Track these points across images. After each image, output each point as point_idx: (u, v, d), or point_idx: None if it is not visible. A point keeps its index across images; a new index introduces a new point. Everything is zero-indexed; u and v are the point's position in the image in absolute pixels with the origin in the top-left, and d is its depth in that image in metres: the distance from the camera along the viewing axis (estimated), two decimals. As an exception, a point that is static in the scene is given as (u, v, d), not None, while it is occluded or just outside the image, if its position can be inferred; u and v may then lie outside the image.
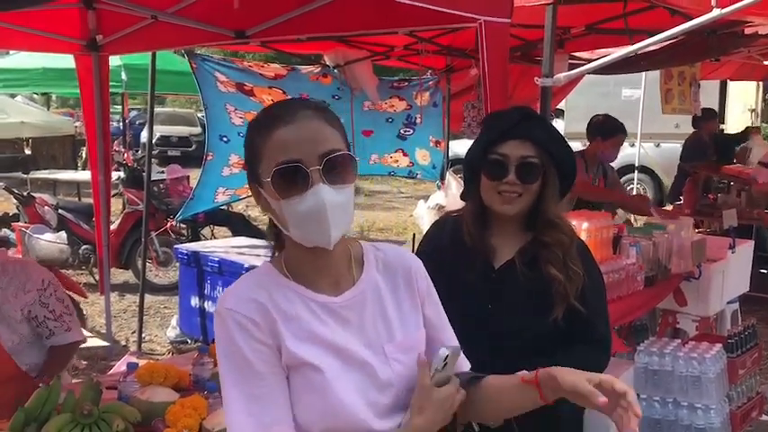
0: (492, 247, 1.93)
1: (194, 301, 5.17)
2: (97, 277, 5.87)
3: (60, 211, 6.72)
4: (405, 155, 6.32)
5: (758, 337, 3.36)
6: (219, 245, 5.59)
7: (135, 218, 6.69)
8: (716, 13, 2.42)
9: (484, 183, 1.91)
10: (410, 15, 3.09)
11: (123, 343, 5.46)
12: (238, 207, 7.46)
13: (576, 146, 8.23)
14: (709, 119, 7.03)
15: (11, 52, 9.52)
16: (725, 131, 9.22)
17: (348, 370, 1.26)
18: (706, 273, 3.54)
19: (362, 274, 1.34)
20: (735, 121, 11.06)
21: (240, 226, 7.09)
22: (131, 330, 5.68)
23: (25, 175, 10.07)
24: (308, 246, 1.25)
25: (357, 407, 1.24)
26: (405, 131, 6.20)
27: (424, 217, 5.66)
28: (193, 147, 17.55)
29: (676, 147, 10.52)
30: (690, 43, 4.20)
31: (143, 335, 5.32)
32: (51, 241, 5.09)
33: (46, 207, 6.59)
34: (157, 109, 16.59)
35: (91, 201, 5.84)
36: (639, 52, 3.03)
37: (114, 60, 6.22)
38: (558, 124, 10.57)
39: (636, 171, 9.62)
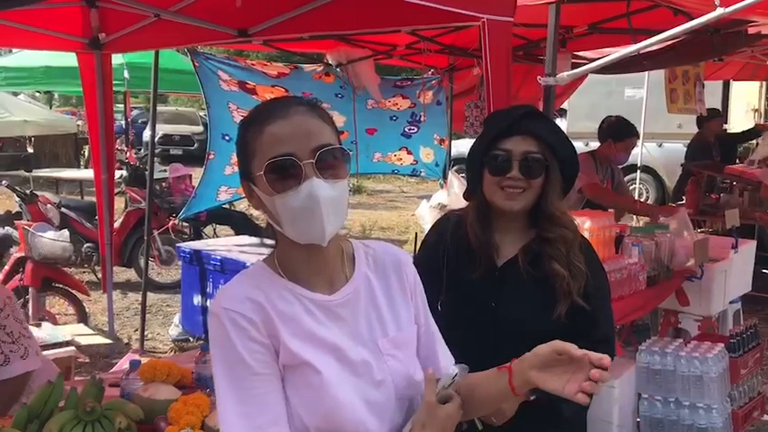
0: (495, 246, 1.93)
1: (197, 300, 5.17)
2: (100, 275, 5.88)
3: (63, 209, 6.72)
4: (409, 153, 6.32)
5: (760, 337, 3.36)
6: (222, 243, 5.59)
7: (137, 216, 6.70)
8: (719, 12, 2.41)
9: (487, 178, 1.90)
10: (413, 14, 3.09)
11: (126, 341, 5.47)
12: (240, 206, 7.48)
13: (579, 146, 8.20)
14: (714, 118, 7.00)
15: (14, 50, 9.54)
16: (728, 131, 9.18)
17: (344, 368, 1.26)
18: (708, 272, 3.53)
19: (355, 271, 1.34)
20: (738, 121, 11.03)
21: (242, 224, 7.10)
22: (134, 328, 5.69)
23: (28, 174, 10.09)
24: (301, 243, 1.25)
25: (354, 405, 1.25)
26: (409, 129, 6.20)
27: (426, 216, 5.66)
28: (195, 145, 17.57)
29: (679, 147, 10.51)
30: (693, 43, 4.20)
31: (145, 333, 5.33)
32: (54, 239, 5.09)
33: (49, 205, 6.59)
34: (160, 108, 16.61)
35: (93, 199, 5.86)
36: (642, 52, 3.03)
37: (117, 59, 6.23)
38: (561, 124, 10.56)
39: (638, 171, 9.61)
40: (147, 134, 15.20)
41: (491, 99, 2.63)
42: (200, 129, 18.19)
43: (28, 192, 6.75)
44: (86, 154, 14.28)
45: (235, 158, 5.48)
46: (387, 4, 3.22)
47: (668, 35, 2.70)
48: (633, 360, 2.98)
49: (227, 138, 5.21)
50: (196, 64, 5.03)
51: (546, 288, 1.86)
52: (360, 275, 1.33)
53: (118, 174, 6.89)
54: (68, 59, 6.26)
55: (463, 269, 1.92)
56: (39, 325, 3.94)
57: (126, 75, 7.91)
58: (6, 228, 6.71)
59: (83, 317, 5.22)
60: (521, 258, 1.89)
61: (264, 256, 1.34)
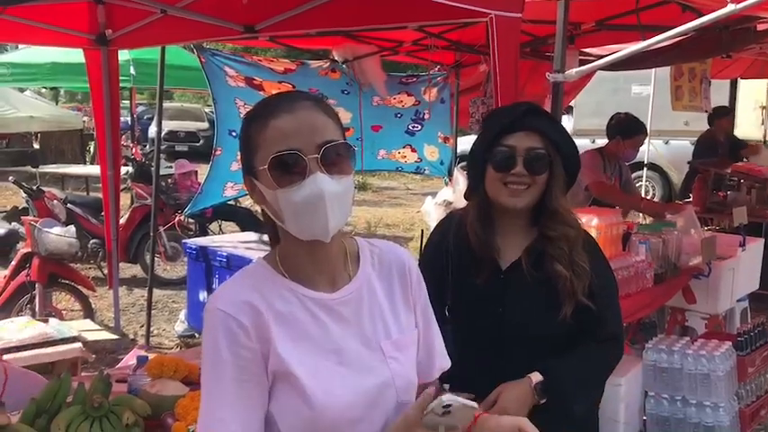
0: (497, 247, 1.90)
1: (202, 296, 5.18)
2: (106, 271, 5.90)
3: (69, 205, 6.74)
4: (413, 150, 6.31)
5: (768, 336, 3.35)
6: (227, 239, 5.60)
7: (143, 212, 6.72)
8: (730, 8, 2.39)
9: (490, 175, 1.87)
10: (420, 10, 3.09)
11: (131, 337, 5.49)
12: (246, 202, 7.48)
13: (585, 143, 8.21)
14: (724, 116, 6.94)
15: (20, 47, 9.56)
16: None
17: (346, 370, 1.24)
18: (716, 270, 3.52)
19: (358, 270, 1.32)
20: (746, 119, 10.98)
21: (247, 221, 7.11)
22: (140, 324, 5.70)
23: (34, 170, 10.12)
24: (304, 239, 1.23)
25: (355, 408, 1.23)
26: (413, 127, 6.19)
27: (431, 213, 5.65)
28: (201, 142, 17.61)
29: (685, 144, 10.48)
30: (701, 39, 4.17)
31: (151, 329, 5.34)
32: (60, 235, 5.10)
33: (55, 201, 6.61)
34: (165, 104, 16.61)
35: (99, 195, 5.87)
36: (651, 48, 3.01)
37: (123, 55, 6.23)
38: (567, 121, 10.55)
39: (645, 168, 9.58)
40: (152, 130, 15.22)
41: (499, 95, 2.61)
42: (205, 125, 18.23)
43: (34, 188, 6.78)
44: (92, 150, 14.31)
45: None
46: (394, 0, 3.22)
47: (677, 32, 2.68)
48: (640, 358, 2.97)
49: (233, 134, 5.21)
50: (203, 60, 5.02)
51: (550, 290, 1.84)
52: (363, 275, 1.32)
53: (123, 170, 6.91)
54: (74, 56, 6.27)
55: (466, 272, 1.90)
56: (46, 320, 3.95)
57: (132, 71, 7.92)
58: (13, 223, 6.75)
59: (89, 312, 5.24)
60: (524, 261, 1.87)
61: (265, 254, 1.33)
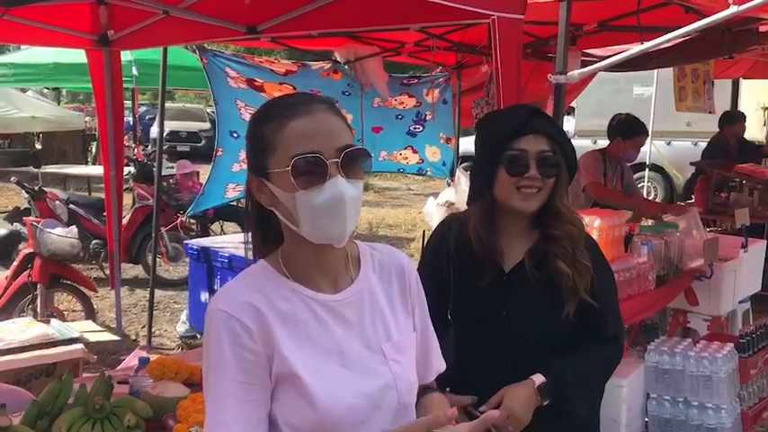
0: (501, 250, 1.89)
1: (204, 297, 5.18)
2: (107, 272, 5.90)
3: (71, 205, 6.75)
4: (414, 152, 6.31)
5: (770, 337, 3.34)
6: (229, 240, 5.60)
7: (145, 213, 6.72)
8: (732, 9, 2.39)
9: (502, 179, 1.85)
10: (422, 11, 3.08)
11: (133, 337, 5.49)
12: (248, 203, 7.47)
13: (587, 143, 8.20)
14: (737, 121, 6.85)
15: (22, 47, 9.56)
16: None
17: (348, 372, 1.24)
18: (718, 272, 3.51)
19: (360, 273, 1.32)
20: (748, 120, 10.97)
21: (249, 221, 7.09)
22: (141, 325, 5.70)
23: (36, 170, 10.13)
24: (316, 242, 1.23)
25: (358, 410, 1.23)
26: (414, 128, 6.19)
27: (433, 214, 5.64)
28: (203, 142, 17.62)
29: (688, 145, 10.48)
30: (704, 40, 4.17)
31: (153, 329, 5.35)
32: (62, 236, 5.10)
33: (57, 201, 6.62)
34: (167, 104, 16.61)
35: (101, 195, 5.88)
36: (653, 50, 3.00)
37: (125, 56, 6.23)
38: (569, 122, 10.54)
39: (647, 169, 9.57)
40: (154, 130, 15.25)
41: (501, 97, 2.61)
42: (207, 125, 18.24)
43: (36, 188, 6.78)
44: (93, 150, 14.33)
45: (243, 156, 5.52)
46: (396, 1, 3.22)
47: (680, 33, 2.68)
48: (642, 360, 2.97)
49: (234, 135, 5.21)
50: (204, 61, 5.03)
51: (554, 289, 1.84)
52: (365, 277, 1.32)
53: (125, 170, 6.91)
54: (76, 56, 6.28)
55: (469, 276, 1.89)
56: (47, 321, 3.95)
57: (134, 71, 7.93)
58: (15, 224, 6.75)
59: (90, 313, 5.24)
60: (527, 262, 1.86)
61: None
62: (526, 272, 1.86)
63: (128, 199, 7.61)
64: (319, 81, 5.47)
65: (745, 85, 8.99)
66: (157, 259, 5.77)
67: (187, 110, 20.17)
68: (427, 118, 6.08)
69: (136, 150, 9.48)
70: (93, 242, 6.69)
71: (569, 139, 1.94)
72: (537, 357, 1.83)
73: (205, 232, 7.13)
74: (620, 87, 10.25)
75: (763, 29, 4.19)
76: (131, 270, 7.09)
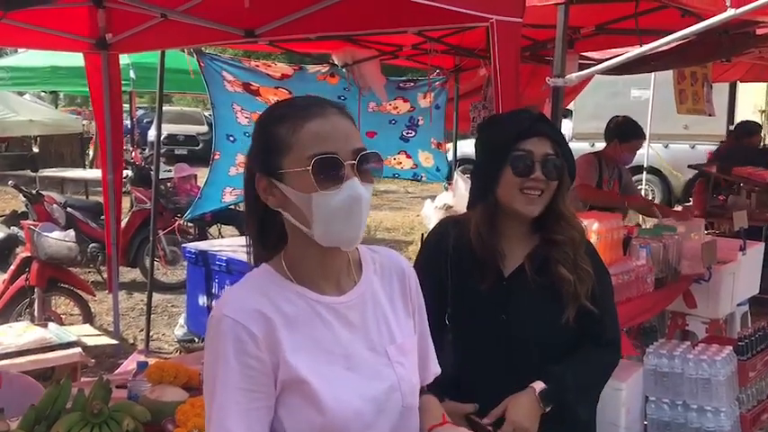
0: (502, 253, 1.89)
1: (202, 300, 5.17)
2: (105, 275, 5.89)
3: (68, 209, 6.73)
4: (408, 157, 6.32)
5: (769, 340, 3.34)
6: (227, 244, 5.59)
7: (143, 216, 6.71)
8: (730, 13, 2.39)
9: (507, 180, 1.83)
10: (420, 14, 3.08)
11: (131, 341, 5.48)
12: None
13: (585, 146, 8.20)
14: (754, 133, 6.69)
15: (19, 50, 9.56)
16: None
17: (354, 375, 1.24)
18: (716, 275, 3.52)
19: (362, 275, 1.32)
20: (740, 120, 11.02)
21: (247, 225, 7.08)
22: (139, 329, 5.69)
23: (34, 174, 10.11)
24: (325, 245, 1.22)
25: (364, 414, 1.23)
26: (407, 133, 6.21)
27: (431, 217, 5.65)
28: (200, 145, 17.61)
29: (685, 147, 10.50)
30: (701, 43, 4.17)
31: (151, 333, 5.33)
32: (60, 239, 5.09)
33: (54, 205, 6.60)
34: (165, 107, 16.58)
35: (99, 199, 5.87)
36: (650, 53, 3.01)
37: (123, 59, 6.23)
38: (567, 124, 10.56)
39: (644, 172, 9.59)
40: (152, 134, 15.22)
41: (499, 100, 2.61)
42: (204, 128, 18.23)
43: (34, 192, 6.77)
44: (90, 154, 14.30)
45: (240, 159, 5.54)
46: (394, 4, 3.21)
47: (678, 36, 2.68)
48: (641, 363, 2.97)
49: (231, 138, 5.21)
50: (202, 64, 5.03)
51: (554, 294, 1.83)
52: (367, 280, 1.32)
53: (123, 174, 6.90)
54: (74, 59, 6.28)
55: (468, 277, 1.89)
56: (45, 325, 3.94)
57: (132, 75, 7.92)
58: (12, 228, 6.74)
59: (88, 317, 5.23)
60: (527, 266, 1.86)
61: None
62: (526, 276, 1.86)
63: (125, 202, 7.60)
64: (315, 85, 5.47)
65: (742, 88, 9.02)
66: (155, 263, 5.76)
67: (185, 113, 20.16)
68: (419, 123, 6.10)
69: (134, 154, 9.48)
70: (90, 246, 6.67)
71: (568, 144, 1.94)
72: (537, 361, 1.83)
73: (203, 236, 7.13)
74: (617, 90, 10.27)
75: (760, 32, 4.20)
76: (129, 273, 7.08)
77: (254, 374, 1.18)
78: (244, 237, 1.36)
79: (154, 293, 5.51)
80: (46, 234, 5.06)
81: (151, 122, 16.50)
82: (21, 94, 12.40)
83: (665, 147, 10.74)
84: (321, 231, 1.21)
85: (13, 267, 5.25)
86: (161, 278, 6.82)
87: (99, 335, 4.51)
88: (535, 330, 1.85)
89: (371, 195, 1.24)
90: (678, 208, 6.87)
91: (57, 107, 15.99)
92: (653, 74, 7.71)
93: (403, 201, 13.50)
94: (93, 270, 6.91)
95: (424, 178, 6.59)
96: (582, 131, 11.00)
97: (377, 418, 1.25)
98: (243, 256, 5.12)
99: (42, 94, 14.90)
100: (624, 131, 4.43)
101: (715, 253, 3.56)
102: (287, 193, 1.21)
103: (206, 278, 5.12)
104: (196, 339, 5.29)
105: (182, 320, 5.54)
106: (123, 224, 6.51)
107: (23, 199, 6.84)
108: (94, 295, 5.53)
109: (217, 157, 5.26)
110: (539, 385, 1.77)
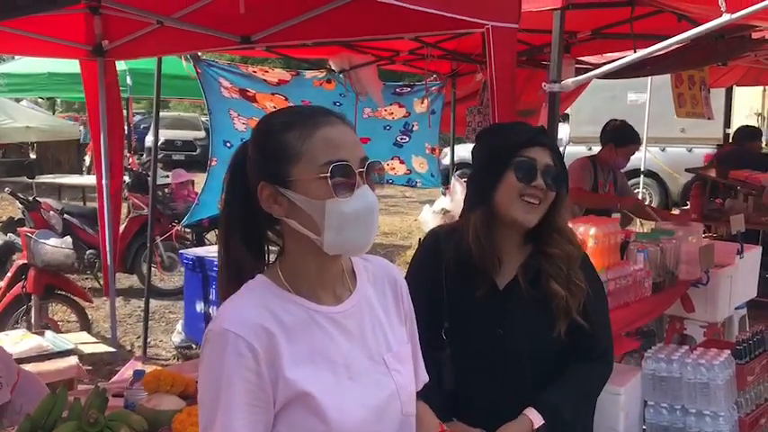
0: (498, 260, 1.88)
1: (199, 307, 5.16)
2: (102, 282, 5.87)
3: (65, 215, 6.72)
4: (402, 162, 6.32)
5: (767, 344, 3.34)
6: (224, 250, 5.57)
7: (140, 222, 6.70)
8: (725, 18, 2.40)
9: (508, 185, 1.82)
10: (416, 21, 3.08)
11: (128, 348, 5.46)
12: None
13: (582, 150, 8.21)
14: (754, 139, 6.67)
15: (16, 57, 9.55)
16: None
17: (355, 385, 1.24)
18: (714, 278, 3.52)
19: (357, 284, 1.32)
20: (741, 125, 11.05)
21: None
22: (136, 335, 5.67)
23: (30, 180, 10.11)
24: (333, 252, 1.22)
25: (366, 424, 1.22)
26: (401, 139, 6.22)
27: (429, 221, 5.64)
28: (198, 151, 17.61)
29: (682, 151, 10.53)
30: (697, 47, 4.18)
31: (148, 340, 5.32)
32: (56, 246, 5.08)
33: (51, 212, 6.59)
34: (162, 113, 16.57)
35: (95, 205, 5.84)
36: (646, 57, 3.02)
37: (119, 65, 6.23)
38: (564, 128, 10.58)
39: (642, 175, 9.61)
40: (149, 139, 15.23)
41: (495, 105, 2.62)
42: (202, 134, 18.23)
43: (30, 198, 6.75)
44: (87, 160, 14.30)
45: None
46: (390, 10, 3.21)
47: (673, 41, 2.69)
48: (639, 367, 2.96)
49: (228, 144, 5.21)
50: (198, 71, 5.03)
51: (546, 308, 1.84)
52: (362, 289, 1.32)
53: (123, 180, 6.89)
54: (71, 65, 6.27)
55: (466, 289, 1.88)
56: (41, 333, 3.93)
57: (129, 81, 7.92)
58: (9, 235, 6.72)
59: (85, 324, 5.21)
60: (521, 278, 1.86)
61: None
62: (520, 288, 1.86)
63: (123, 208, 7.59)
64: (312, 91, 5.47)
65: (739, 91, 9.05)
66: (152, 269, 5.74)
67: (182, 119, 20.15)
68: (414, 128, 6.10)
69: (131, 160, 9.46)
70: (87, 252, 6.65)
71: (564, 162, 1.96)
72: (530, 374, 1.85)
73: (200, 242, 7.12)
74: (614, 94, 10.30)
75: (756, 36, 4.21)
76: (126, 280, 7.06)
77: (254, 389, 1.16)
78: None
79: (151, 300, 5.50)
80: (43, 241, 5.05)
81: (148, 128, 16.52)
82: (18, 100, 12.39)
83: (662, 150, 10.77)
84: (332, 238, 1.20)
85: (9, 275, 5.24)
86: (158, 284, 6.81)
87: (96, 342, 4.50)
88: (528, 344, 1.85)
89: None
90: (675, 211, 6.89)
91: (54, 113, 16.01)
92: (649, 78, 7.73)
93: (401, 205, 13.50)
94: (91, 277, 6.89)
95: (419, 184, 6.60)
96: (579, 135, 11.03)
97: (378, 426, 1.24)
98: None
99: (39, 100, 14.90)
100: (620, 136, 4.44)
101: (712, 257, 3.56)
102: (296, 200, 1.20)
103: (203, 284, 5.11)
104: (194, 346, 5.28)
105: (179, 327, 5.52)
106: (120, 230, 6.50)
107: (20, 206, 6.82)
108: (92, 302, 5.51)
109: (214, 163, 5.26)
110: (535, 417, 1.77)
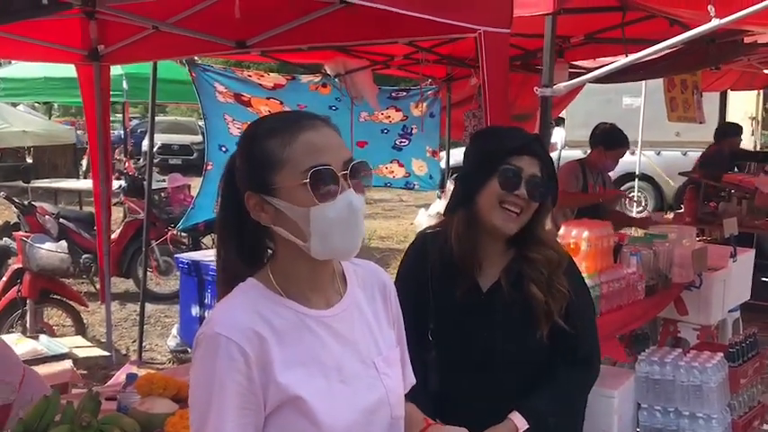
0: (479, 262, 1.90)
1: (195, 311, 5.16)
2: (98, 286, 5.87)
3: (61, 220, 6.71)
4: (401, 165, 6.33)
5: (759, 346, 3.35)
6: (220, 254, 5.57)
7: (136, 227, 6.70)
8: (714, 23, 2.42)
9: (490, 191, 1.84)
10: (410, 26, 3.10)
11: (124, 352, 5.46)
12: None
13: (577, 154, 8.23)
14: (734, 135, 6.81)
15: (12, 61, 9.55)
16: (744, 149, 9.05)
17: (346, 389, 1.24)
18: (707, 281, 3.53)
19: (347, 288, 1.33)
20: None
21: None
22: (132, 339, 5.67)
23: (26, 184, 10.08)
24: (321, 258, 1.22)
25: (357, 427, 1.23)
26: (400, 142, 6.23)
27: (424, 225, 5.64)
28: (194, 155, 17.58)
29: (677, 155, 10.56)
30: (689, 52, 4.21)
31: (144, 344, 5.32)
32: (52, 250, 5.08)
33: (47, 216, 6.59)
34: (158, 117, 16.61)
35: (92, 209, 5.85)
36: (639, 61, 3.04)
37: (115, 69, 6.24)
38: (559, 133, 10.61)
39: (636, 179, 9.63)
40: (146, 144, 15.21)
41: (488, 109, 2.63)
42: (198, 138, 18.19)
43: (26, 203, 6.75)
44: (84, 164, 14.29)
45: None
46: (384, 16, 3.22)
47: (665, 45, 2.71)
48: (632, 370, 2.97)
49: (223, 149, 5.22)
50: (193, 75, 5.05)
51: (529, 311, 1.85)
52: (352, 292, 1.33)
53: (116, 184, 6.90)
54: (67, 70, 6.27)
55: (450, 291, 1.89)
56: (36, 337, 3.93)
57: (124, 85, 7.93)
58: (4, 239, 6.72)
59: (80, 328, 5.21)
60: (503, 282, 1.88)
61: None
62: (503, 291, 1.88)
63: (119, 213, 7.60)
64: (307, 95, 5.49)
65: (733, 96, 9.08)
66: (148, 273, 5.74)
67: (179, 123, 20.15)
68: (413, 132, 6.11)
69: (127, 164, 9.46)
70: (83, 256, 6.65)
71: (555, 170, 1.97)
72: (514, 377, 1.87)
73: (196, 246, 7.11)
74: (609, 98, 10.33)
75: (748, 40, 4.24)
76: (122, 284, 7.06)
77: (244, 392, 1.17)
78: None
79: (147, 304, 5.50)
80: (38, 245, 5.04)
81: (145, 132, 16.48)
82: (14, 104, 12.39)
83: (657, 154, 10.80)
84: (318, 244, 1.20)
85: (4, 279, 5.24)
86: (154, 288, 6.81)
87: (91, 346, 4.49)
88: (511, 347, 1.87)
89: (365, 205, 1.25)
90: (670, 215, 6.91)
91: (50, 117, 15.99)
92: (644, 82, 7.77)
93: (397, 209, 13.51)
94: (86, 281, 6.89)
95: (416, 186, 6.61)
96: (574, 139, 11.05)
97: (368, 429, 1.25)
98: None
99: (36, 104, 14.89)
100: (611, 139, 4.47)
101: (705, 260, 3.57)
102: (281, 208, 1.20)
103: (199, 288, 5.11)
104: (189, 350, 5.27)
105: (175, 331, 5.52)
106: (116, 235, 6.50)
107: (16, 210, 6.81)
108: (87, 306, 5.51)
109: (210, 167, 5.26)
110: (520, 422, 1.78)
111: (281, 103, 5.33)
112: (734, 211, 5.75)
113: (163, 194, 7.33)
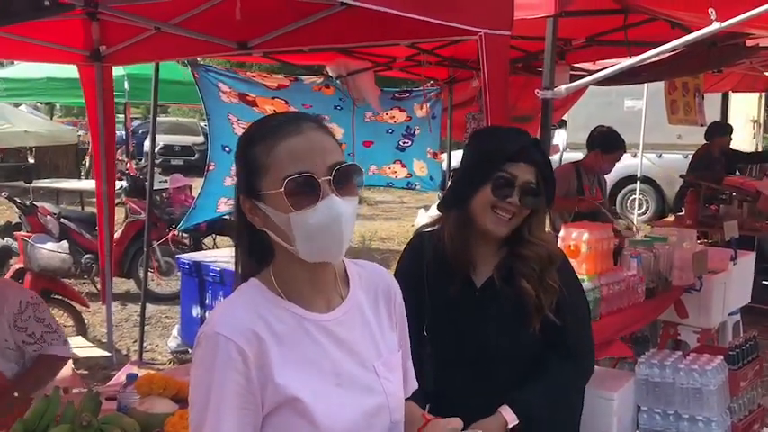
0: (473, 261, 1.93)
1: (196, 311, 5.17)
2: (99, 286, 5.87)
3: (63, 220, 6.72)
4: (403, 166, 6.34)
5: (759, 349, 3.34)
6: (221, 254, 5.58)
7: (137, 227, 6.70)
8: (715, 26, 2.42)
9: (483, 196, 1.87)
10: (411, 28, 3.10)
11: (124, 352, 5.46)
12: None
13: (579, 156, 8.25)
14: (723, 134, 6.89)
15: (15, 62, 9.57)
16: (734, 149, 9.13)
17: (344, 393, 1.24)
18: (707, 284, 3.53)
19: (349, 290, 1.32)
20: (738, 133, 11.08)
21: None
22: (133, 340, 5.68)
23: (28, 185, 10.10)
24: (311, 261, 1.23)
25: (357, 430, 1.24)
26: (403, 143, 6.23)
27: (425, 227, 5.65)
28: (196, 156, 17.61)
29: (679, 158, 10.54)
30: (691, 55, 4.21)
31: (144, 344, 5.32)
32: (53, 251, 5.09)
33: (48, 216, 6.60)
34: (160, 118, 16.65)
35: (93, 210, 5.87)
36: (641, 64, 3.04)
37: (117, 70, 6.24)
38: (561, 135, 10.62)
39: (638, 182, 9.62)
40: (147, 144, 15.23)
41: (489, 112, 2.64)
42: (200, 139, 18.23)
43: (27, 203, 6.76)
44: (86, 165, 14.32)
45: (234, 170, 5.57)
46: (385, 17, 3.23)
47: (666, 48, 2.71)
48: (632, 372, 2.97)
49: (227, 149, 5.22)
50: (196, 76, 5.04)
51: (521, 306, 1.87)
52: (354, 295, 1.33)
53: (118, 185, 6.90)
54: (70, 71, 6.28)
55: (444, 288, 1.92)
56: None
57: (126, 86, 7.94)
58: (6, 239, 6.73)
59: (81, 328, 5.22)
60: (496, 278, 1.90)
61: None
62: (496, 287, 1.90)
63: (120, 213, 7.60)
64: (311, 96, 5.49)
65: (735, 98, 9.08)
66: (149, 274, 5.75)
67: (180, 124, 20.18)
68: (416, 132, 6.11)
69: (128, 165, 9.48)
70: (84, 257, 6.66)
71: (553, 173, 1.97)
72: (507, 371, 1.89)
73: (197, 246, 7.12)
74: (611, 101, 10.33)
75: (750, 43, 4.24)
76: (123, 284, 7.06)
77: (243, 392, 1.18)
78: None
79: (148, 304, 5.51)
80: (39, 245, 5.06)
81: (147, 133, 16.49)
82: (17, 105, 12.41)
83: (659, 157, 10.79)
84: (303, 249, 1.21)
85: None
86: (155, 289, 6.82)
87: (92, 346, 4.51)
88: (504, 341, 1.89)
89: (363, 206, 1.24)
90: (671, 218, 6.91)
91: (53, 117, 16.00)
92: (646, 84, 7.76)
93: (398, 210, 13.51)
94: (88, 281, 6.90)
95: (417, 187, 6.61)
96: (576, 142, 11.04)
97: None
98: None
99: (38, 105, 14.91)
100: (608, 142, 4.47)
101: (706, 263, 3.57)
102: (268, 213, 1.22)
103: (200, 289, 5.12)
104: (190, 350, 5.28)
105: (175, 331, 5.53)
106: (118, 235, 6.50)
107: (17, 210, 6.83)
108: (88, 306, 5.52)
109: (212, 167, 5.26)
110: (509, 416, 1.80)
111: (287, 102, 5.33)
112: (735, 214, 5.75)
113: (164, 195, 7.34)
